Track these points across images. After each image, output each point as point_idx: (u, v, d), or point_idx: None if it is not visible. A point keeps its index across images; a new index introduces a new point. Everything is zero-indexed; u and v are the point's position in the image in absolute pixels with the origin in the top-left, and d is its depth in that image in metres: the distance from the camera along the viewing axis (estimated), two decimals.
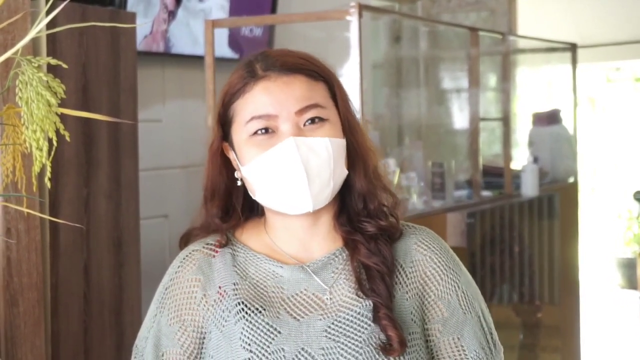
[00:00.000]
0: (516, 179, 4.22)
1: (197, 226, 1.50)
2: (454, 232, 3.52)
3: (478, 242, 3.60)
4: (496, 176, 4.23)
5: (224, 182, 1.46)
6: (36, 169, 1.17)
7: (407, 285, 1.42)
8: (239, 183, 1.44)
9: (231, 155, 1.44)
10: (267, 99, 1.37)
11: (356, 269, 1.40)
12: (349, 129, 1.43)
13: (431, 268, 1.44)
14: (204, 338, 1.41)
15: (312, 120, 1.38)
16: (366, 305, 1.38)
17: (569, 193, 4.73)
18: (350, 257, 1.42)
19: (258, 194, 1.41)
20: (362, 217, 1.43)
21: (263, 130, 1.37)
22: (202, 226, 1.49)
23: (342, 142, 1.40)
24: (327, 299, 1.39)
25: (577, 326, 4.79)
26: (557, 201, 4.30)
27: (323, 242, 1.44)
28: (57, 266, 2.48)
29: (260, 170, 1.38)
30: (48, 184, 1.20)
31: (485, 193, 4.07)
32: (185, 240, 1.50)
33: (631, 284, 8.01)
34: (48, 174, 1.21)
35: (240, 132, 1.40)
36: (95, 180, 2.60)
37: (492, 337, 1.47)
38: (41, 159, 1.17)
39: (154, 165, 3.36)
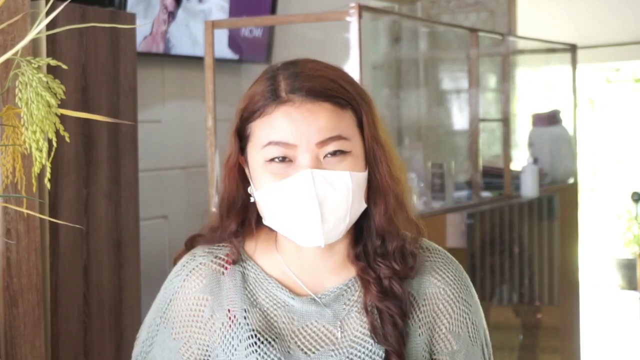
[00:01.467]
0: (516, 179, 4.22)
1: (206, 236, 1.45)
2: (453, 233, 3.52)
3: (478, 243, 3.59)
4: (496, 177, 4.23)
5: (241, 196, 1.40)
6: (36, 169, 1.17)
7: (420, 320, 1.39)
8: (252, 200, 1.38)
9: (247, 170, 1.38)
10: (288, 126, 1.29)
11: (369, 310, 1.36)
12: (373, 160, 1.35)
13: (444, 301, 1.41)
14: (209, 356, 1.38)
15: (334, 153, 1.30)
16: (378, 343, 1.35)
17: (569, 194, 4.73)
18: (363, 294, 1.37)
19: (268, 221, 1.36)
20: (377, 256, 1.37)
21: (280, 159, 1.30)
22: (213, 239, 1.44)
23: (363, 176, 1.33)
24: (338, 333, 1.36)
25: (577, 327, 4.79)
26: (557, 202, 4.30)
27: (336, 270, 1.40)
28: (57, 267, 2.48)
29: (273, 199, 1.32)
30: (48, 185, 1.20)
31: (485, 194, 4.07)
32: (190, 245, 1.47)
33: (631, 284, 8.01)
34: (48, 175, 1.21)
35: (256, 154, 1.33)
36: (95, 181, 2.60)
37: None
38: (41, 159, 1.17)
39: (153, 166, 3.36)
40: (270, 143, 1.30)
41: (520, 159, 4.75)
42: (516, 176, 4.24)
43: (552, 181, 4.71)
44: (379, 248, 1.37)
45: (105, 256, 2.63)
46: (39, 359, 2.34)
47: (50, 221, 2.40)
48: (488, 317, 3.75)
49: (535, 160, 4.38)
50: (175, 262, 1.48)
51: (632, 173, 8.60)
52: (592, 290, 7.85)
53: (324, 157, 1.30)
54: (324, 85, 1.32)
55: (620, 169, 8.84)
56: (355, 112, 1.34)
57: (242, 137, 1.37)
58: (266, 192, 1.32)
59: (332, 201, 1.29)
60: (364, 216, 1.38)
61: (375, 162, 1.35)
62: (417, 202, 3.55)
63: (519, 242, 3.95)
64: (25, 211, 1.34)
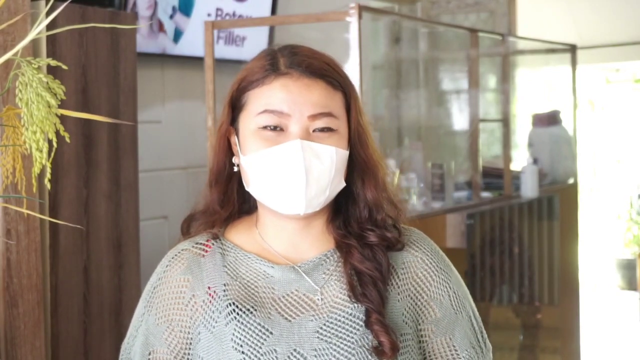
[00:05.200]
0: (516, 180, 4.22)
1: (200, 210, 1.50)
2: (453, 233, 3.52)
3: (478, 243, 3.60)
4: (496, 177, 4.23)
5: (227, 166, 1.45)
6: (36, 170, 1.17)
7: (399, 287, 1.42)
8: (236, 169, 1.44)
9: (233, 140, 1.44)
10: (285, 96, 1.37)
11: (349, 273, 1.40)
12: (359, 141, 1.42)
13: (423, 269, 1.45)
14: (192, 339, 1.40)
15: (322, 129, 1.37)
16: (358, 306, 1.38)
17: (569, 194, 4.73)
18: (343, 260, 1.41)
19: (252, 187, 1.41)
20: (366, 225, 1.43)
21: (272, 127, 1.36)
22: (204, 211, 1.49)
23: (345, 155, 1.40)
24: (318, 299, 1.39)
25: (577, 327, 4.79)
26: (557, 202, 4.30)
27: (314, 243, 1.44)
28: (57, 267, 2.48)
29: (261, 164, 1.37)
30: (48, 185, 1.20)
31: (485, 194, 4.07)
32: (187, 224, 1.51)
33: (631, 285, 8.01)
34: (48, 175, 1.21)
35: (250, 121, 1.39)
36: (95, 182, 2.60)
37: (482, 337, 1.48)
38: (41, 160, 1.17)
39: (153, 167, 3.36)
40: (265, 111, 1.37)
41: (520, 160, 4.75)
42: (516, 176, 4.24)
43: (552, 181, 4.71)
44: (367, 220, 1.43)
45: (105, 256, 2.63)
46: (39, 359, 2.34)
47: (50, 221, 2.40)
48: (488, 317, 3.75)
49: (535, 161, 4.38)
50: None
51: (632, 174, 8.60)
52: (592, 290, 7.85)
53: (313, 131, 1.37)
54: (321, 65, 1.40)
55: (620, 169, 8.84)
56: (345, 96, 1.42)
57: (235, 107, 1.43)
58: (255, 157, 1.38)
59: (317, 171, 1.36)
60: (346, 196, 1.44)
61: (361, 144, 1.43)
62: (417, 202, 3.56)
63: (518, 242, 3.95)
64: (26, 211, 1.34)
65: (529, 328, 4.16)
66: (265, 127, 1.37)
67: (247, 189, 1.43)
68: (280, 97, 1.37)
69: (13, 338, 2.27)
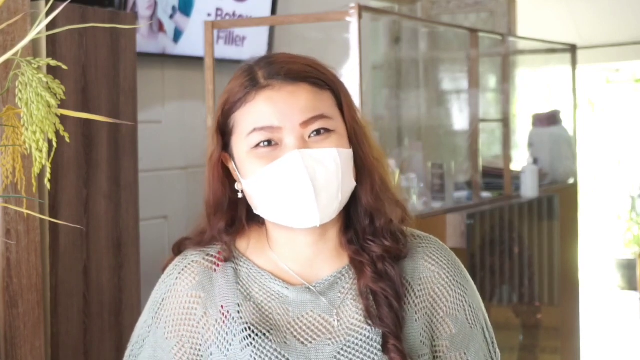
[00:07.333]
0: (516, 180, 4.22)
1: (193, 239, 1.43)
2: (453, 233, 3.52)
3: (478, 243, 3.60)
4: (496, 177, 4.23)
5: (227, 194, 1.39)
6: (36, 170, 1.17)
7: (416, 305, 1.38)
8: (240, 195, 1.38)
9: (231, 166, 1.38)
10: (271, 109, 1.30)
11: (364, 294, 1.35)
12: (355, 139, 1.36)
13: (440, 285, 1.40)
14: (202, 356, 1.36)
15: (318, 132, 1.31)
16: (375, 328, 1.33)
17: (569, 194, 4.73)
18: (357, 278, 1.36)
19: (261, 209, 1.35)
20: (367, 235, 1.38)
21: (266, 143, 1.31)
22: (202, 241, 1.42)
23: (349, 153, 1.34)
24: (334, 321, 1.35)
25: (577, 327, 4.79)
26: (557, 202, 4.30)
27: (329, 259, 1.39)
28: (57, 267, 2.48)
29: (263, 184, 1.32)
30: (48, 185, 1.20)
31: (485, 194, 4.08)
32: (178, 248, 1.44)
33: (631, 285, 8.01)
34: (48, 175, 1.21)
35: (241, 144, 1.33)
36: (95, 182, 2.60)
37: (493, 347, 1.45)
38: (41, 160, 1.17)
39: (153, 167, 3.36)
40: (254, 130, 1.31)
41: (520, 160, 4.75)
42: (516, 176, 4.24)
43: (552, 181, 4.72)
44: (368, 227, 1.38)
45: (105, 256, 2.63)
46: (39, 359, 2.34)
47: (50, 221, 2.40)
48: (488, 317, 3.75)
49: (535, 161, 4.39)
50: (164, 269, 1.45)
51: (632, 174, 8.60)
52: (592, 290, 7.85)
53: (309, 136, 1.31)
54: (301, 68, 1.34)
55: (620, 169, 8.84)
56: (334, 94, 1.36)
57: (224, 133, 1.38)
58: (255, 178, 1.32)
59: (322, 178, 1.30)
60: (352, 200, 1.38)
61: (358, 142, 1.37)
62: (417, 202, 3.56)
63: (519, 242, 3.95)
64: (26, 211, 1.34)
65: (529, 328, 4.16)
66: (258, 146, 1.31)
67: (255, 212, 1.37)
68: (267, 111, 1.30)
69: (13, 338, 2.27)
